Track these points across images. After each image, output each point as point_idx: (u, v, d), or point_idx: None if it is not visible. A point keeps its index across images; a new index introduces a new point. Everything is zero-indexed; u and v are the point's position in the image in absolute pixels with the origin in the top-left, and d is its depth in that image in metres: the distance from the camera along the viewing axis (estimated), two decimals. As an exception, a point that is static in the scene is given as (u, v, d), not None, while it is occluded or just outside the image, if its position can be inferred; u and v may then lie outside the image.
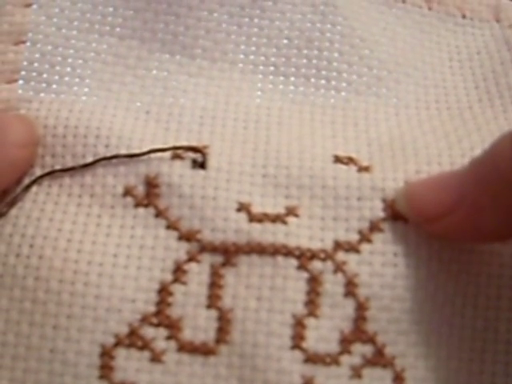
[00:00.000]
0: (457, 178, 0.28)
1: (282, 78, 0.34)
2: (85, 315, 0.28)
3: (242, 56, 0.34)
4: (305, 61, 0.34)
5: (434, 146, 0.32)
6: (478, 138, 0.33)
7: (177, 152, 0.30)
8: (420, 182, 0.30)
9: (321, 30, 0.34)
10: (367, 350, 0.28)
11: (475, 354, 0.30)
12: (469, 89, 0.36)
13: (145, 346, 0.28)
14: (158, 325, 0.28)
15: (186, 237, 0.29)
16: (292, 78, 0.34)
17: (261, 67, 0.34)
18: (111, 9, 0.34)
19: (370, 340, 0.28)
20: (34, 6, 0.33)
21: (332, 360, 0.28)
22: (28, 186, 0.30)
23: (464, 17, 0.37)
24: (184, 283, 0.29)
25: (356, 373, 0.28)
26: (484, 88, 0.35)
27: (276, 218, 0.30)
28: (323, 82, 0.34)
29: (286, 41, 0.34)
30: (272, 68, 0.34)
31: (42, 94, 0.32)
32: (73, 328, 0.28)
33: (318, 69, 0.34)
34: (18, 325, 0.28)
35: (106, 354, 0.28)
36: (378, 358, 0.28)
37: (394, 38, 0.36)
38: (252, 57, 0.34)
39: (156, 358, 0.28)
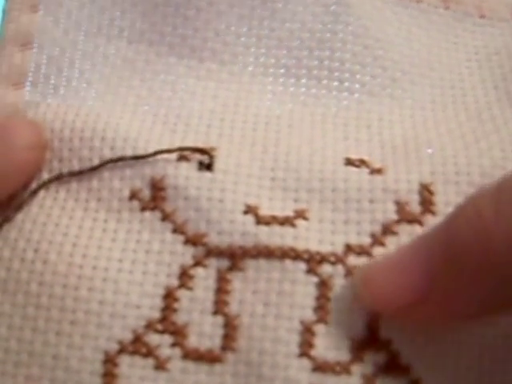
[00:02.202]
0: (422, 257, 0.25)
1: (293, 80, 0.33)
2: (88, 321, 0.28)
3: (252, 58, 0.33)
4: (316, 62, 0.34)
5: (449, 147, 0.31)
6: (496, 138, 0.32)
7: (183, 154, 0.30)
8: (380, 263, 0.27)
9: (333, 30, 0.34)
10: (380, 357, 0.27)
11: (495, 364, 0.29)
12: (487, 89, 0.34)
13: (149, 353, 0.27)
14: (162, 331, 0.28)
15: (193, 241, 0.28)
16: (303, 80, 0.33)
17: (271, 69, 0.33)
18: (119, 12, 0.33)
19: (384, 347, 0.27)
20: (41, 11, 0.33)
21: (342, 369, 0.27)
22: (35, 191, 0.30)
23: (482, 16, 0.36)
24: (190, 288, 0.28)
25: (368, 382, 0.27)
26: (503, 88, 0.34)
27: (284, 221, 0.29)
28: (336, 83, 0.34)
29: (297, 42, 0.34)
30: (283, 70, 0.33)
31: (50, 99, 0.32)
32: (76, 334, 0.28)
33: (331, 70, 0.34)
34: (20, 331, 0.28)
35: (110, 361, 0.27)
36: (392, 366, 0.27)
37: (409, 38, 0.35)
38: (262, 59, 0.33)
39: (160, 366, 0.27)
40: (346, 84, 0.33)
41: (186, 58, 0.33)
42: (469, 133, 0.32)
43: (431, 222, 0.29)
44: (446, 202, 0.29)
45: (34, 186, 0.30)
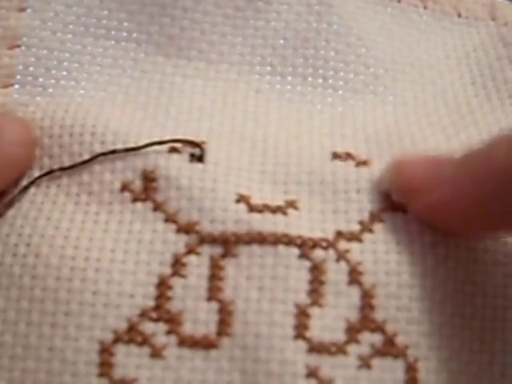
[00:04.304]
0: (446, 162, 0.28)
1: (278, 78, 0.34)
2: (83, 312, 0.28)
3: (238, 57, 0.34)
4: (301, 60, 0.34)
5: (431, 139, 0.32)
6: (475, 130, 0.33)
7: (174, 146, 0.30)
8: (409, 157, 0.30)
9: (317, 29, 0.34)
10: (376, 339, 0.28)
11: (485, 345, 0.29)
12: (466, 85, 0.35)
13: (145, 341, 0.27)
14: (157, 319, 0.28)
15: (185, 229, 0.29)
16: (289, 78, 0.34)
17: (257, 67, 0.34)
18: (106, 12, 0.34)
19: (379, 329, 0.28)
20: (29, 11, 0.33)
21: (338, 349, 0.27)
22: (26, 187, 0.30)
23: (459, 15, 0.37)
24: (183, 276, 0.28)
25: (364, 362, 0.27)
26: (481, 83, 0.35)
27: (276, 209, 0.29)
28: (320, 80, 0.34)
29: (282, 41, 0.34)
30: (269, 68, 0.34)
31: (38, 98, 0.32)
32: (71, 325, 0.27)
33: (315, 68, 0.34)
34: (15, 325, 0.28)
35: (106, 350, 0.27)
36: (389, 348, 0.28)
37: (390, 36, 0.36)
38: (248, 57, 0.34)
39: (156, 354, 0.27)
40: (330, 81, 0.34)
41: (174, 57, 0.34)
42: (449, 125, 0.33)
43: None
44: None
45: (24, 182, 0.30)
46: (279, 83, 0.34)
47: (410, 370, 0.28)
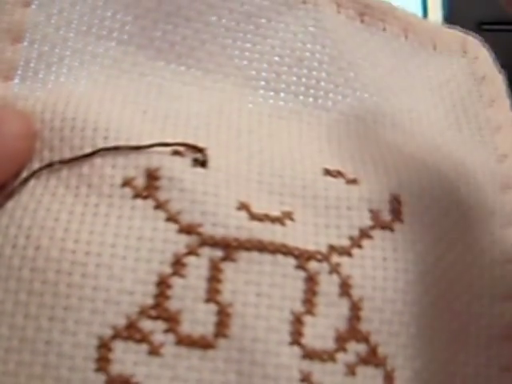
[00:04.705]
0: None
1: (272, 93, 0.35)
2: (82, 307, 0.28)
3: (234, 69, 0.35)
4: (294, 78, 0.36)
5: (412, 166, 0.34)
6: (450, 162, 0.35)
7: (177, 149, 0.31)
8: None
9: (311, 50, 0.36)
10: (361, 348, 0.29)
11: (452, 356, 0.31)
12: (440, 115, 0.38)
13: (143, 338, 0.28)
14: (156, 318, 0.28)
15: (187, 230, 0.29)
16: (282, 94, 0.35)
17: (253, 82, 0.35)
18: (110, 13, 0.34)
19: (364, 339, 0.29)
20: (34, 6, 0.33)
21: (328, 357, 0.29)
22: (26, 180, 0.30)
23: (435, 48, 0.40)
24: (183, 276, 0.29)
25: (350, 370, 0.29)
26: (453, 115, 0.38)
27: (275, 220, 0.30)
28: (311, 99, 0.36)
29: (277, 58, 0.36)
30: (263, 83, 0.35)
31: (38, 93, 0.32)
32: (70, 319, 0.28)
33: (307, 87, 0.36)
34: (12, 317, 0.28)
35: (104, 346, 0.28)
36: (371, 357, 0.29)
37: (375, 63, 0.38)
38: (244, 71, 0.35)
39: (154, 351, 0.28)
40: (320, 101, 0.36)
41: (174, 64, 0.34)
42: (428, 156, 0.35)
43: (399, 228, 0.31)
44: (412, 213, 0.32)
45: (24, 175, 0.30)
46: (272, 98, 0.35)
47: (388, 378, 0.29)
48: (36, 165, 0.30)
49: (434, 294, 0.31)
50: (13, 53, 0.32)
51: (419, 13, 1.03)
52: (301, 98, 0.35)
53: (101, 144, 0.30)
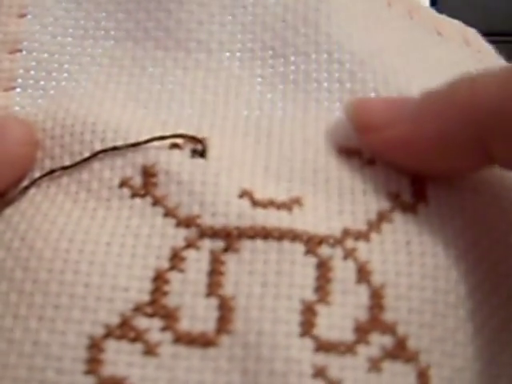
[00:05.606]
0: (408, 100, 0.28)
1: (282, 60, 0.33)
2: (73, 305, 0.26)
3: (239, 45, 0.33)
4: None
5: None
6: None
7: (176, 142, 0.29)
8: (372, 98, 0.31)
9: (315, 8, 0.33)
10: (387, 340, 0.26)
11: (495, 356, 0.27)
12: None
13: (138, 337, 0.25)
14: (152, 315, 0.26)
15: (185, 223, 0.27)
16: (292, 58, 0.33)
17: (259, 53, 0.33)
18: (104, 14, 0.33)
19: (390, 330, 0.26)
20: (29, 17, 0.33)
21: (347, 349, 0.25)
22: (26, 188, 0.29)
23: (439, 34, 0.37)
24: (181, 271, 0.26)
25: (374, 365, 0.25)
26: None
27: (281, 205, 0.28)
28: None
29: (282, 24, 0.33)
30: (270, 52, 0.33)
31: (40, 101, 0.32)
32: (59, 319, 0.25)
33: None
34: (1, 319, 0.26)
35: (95, 346, 0.25)
36: (399, 351, 0.25)
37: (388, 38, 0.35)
38: (249, 44, 0.33)
39: (150, 351, 0.25)
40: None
41: (173, 51, 0.33)
42: None
43: (424, 211, 0.28)
44: (438, 195, 0.29)
45: (25, 183, 0.29)
46: (282, 65, 0.33)
47: (422, 376, 0.25)
48: (37, 174, 0.30)
49: (471, 283, 0.27)
50: (11, 62, 0.32)
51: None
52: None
53: (99, 146, 0.29)
